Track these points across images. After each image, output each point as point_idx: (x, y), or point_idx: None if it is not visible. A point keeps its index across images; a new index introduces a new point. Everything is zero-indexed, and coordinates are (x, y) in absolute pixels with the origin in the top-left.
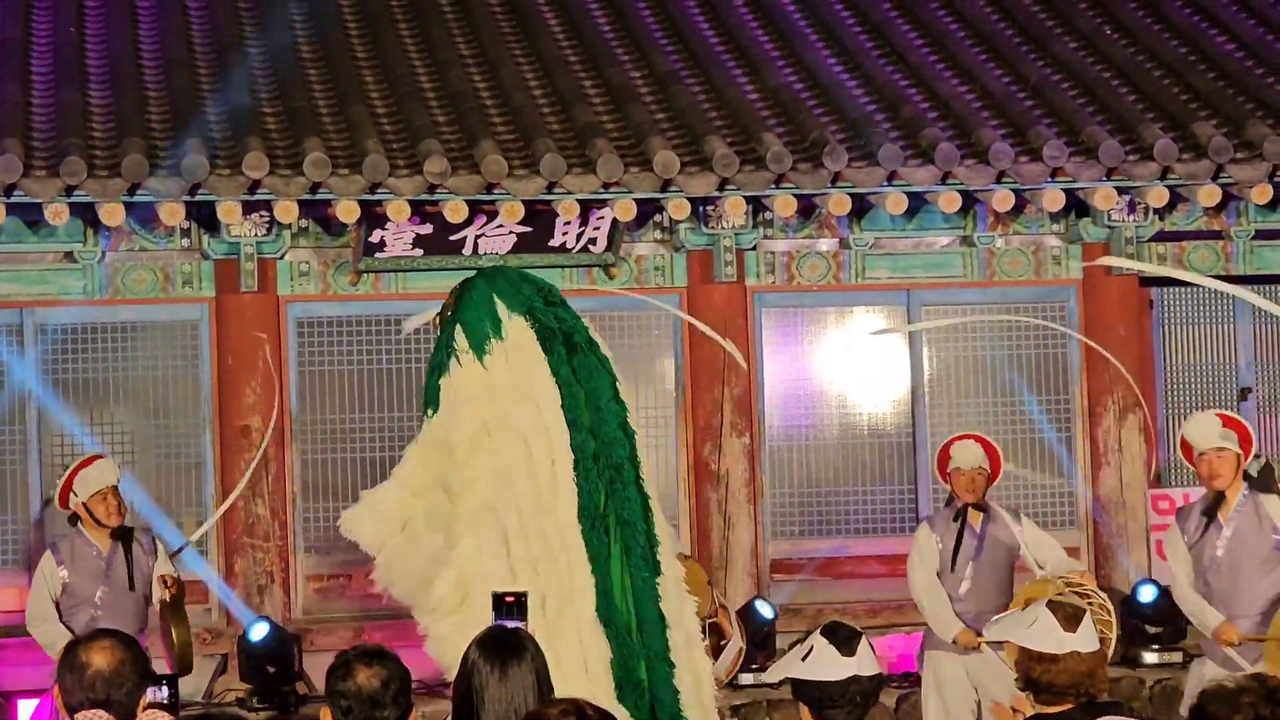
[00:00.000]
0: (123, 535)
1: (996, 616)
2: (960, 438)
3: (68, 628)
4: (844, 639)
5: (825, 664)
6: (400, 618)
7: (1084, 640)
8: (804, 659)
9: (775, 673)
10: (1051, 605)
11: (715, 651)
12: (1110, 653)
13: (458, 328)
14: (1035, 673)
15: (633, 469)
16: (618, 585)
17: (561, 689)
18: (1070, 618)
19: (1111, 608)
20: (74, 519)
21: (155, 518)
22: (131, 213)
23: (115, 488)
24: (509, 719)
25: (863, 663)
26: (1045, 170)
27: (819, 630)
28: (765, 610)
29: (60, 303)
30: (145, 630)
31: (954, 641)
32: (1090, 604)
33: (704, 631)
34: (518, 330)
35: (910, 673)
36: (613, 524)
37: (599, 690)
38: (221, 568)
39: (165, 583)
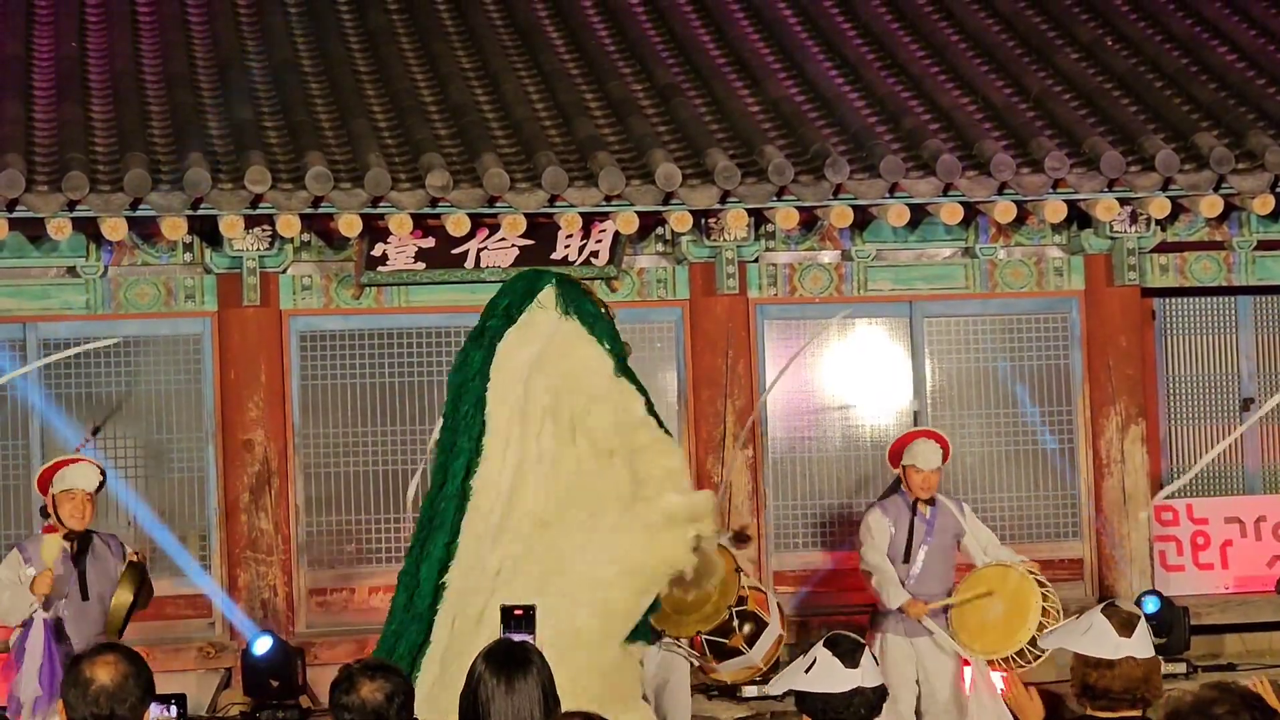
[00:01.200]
0: (81, 541)
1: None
2: (919, 434)
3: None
4: (847, 650)
5: (828, 676)
6: None
7: (1139, 646)
8: (807, 671)
9: (778, 684)
10: (1107, 611)
11: (751, 639)
12: None
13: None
14: (1091, 678)
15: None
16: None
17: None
18: (1125, 624)
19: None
20: (44, 513)
21: (158, 531)
22: (134, 227)
23: (90, 495)
24: None
25: (866, 674)
26: (1047, 181)
27: (821, 642)
28: None
29: (63, 317)
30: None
31: (901, 610)
32: (1045, 592)
33: (733, 619)
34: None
35: None
36: None
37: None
38: (225, 581)
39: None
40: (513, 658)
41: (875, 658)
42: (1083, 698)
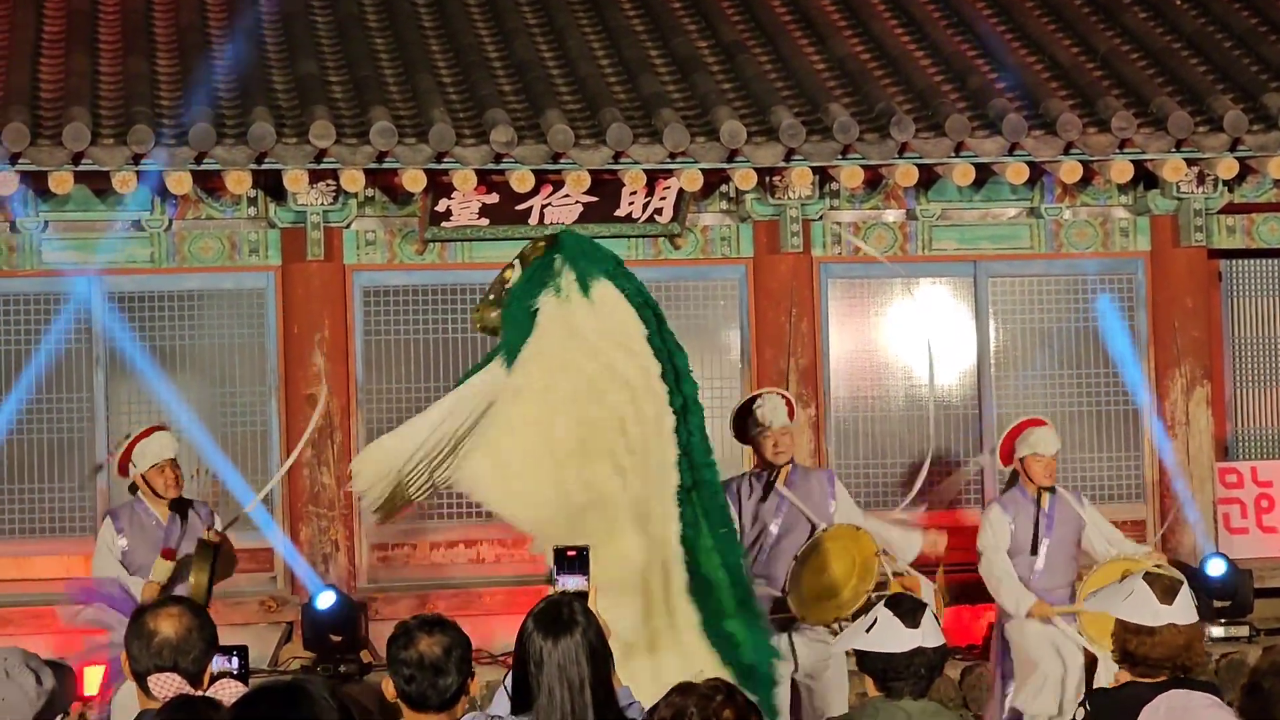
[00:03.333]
0: (180, 507)
1: (1094, 589)
2: (1029, 423)
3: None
4: (908, 611)
5: (889, 636)
6: (465, 586)
7: (1181, 613)
8: (868, 630)
9: (840, 644)
10: (1148, 577)
11: None
12: None
13: (563, 266)
14: (1131, 645)
15: (704, 441)
16: (705, 546)
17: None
18: (1167, 590)
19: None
20: (133, 488)
21: (228, 476)
22: (198, 181)
23: (174, 460)
24: (562, 685)
25: (927, 634)
26: (1113, 141)
27: (883, 602)
28: None
29: (127, 271)
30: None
31: (1028, 615)
32: None
33: (874, 605)
34: (605, 291)
35: (975, 645)
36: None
37: (698, 651)
38: (287, 536)
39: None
40: (559, 618)
41: (1007, 639)
42: (1123, 664)
